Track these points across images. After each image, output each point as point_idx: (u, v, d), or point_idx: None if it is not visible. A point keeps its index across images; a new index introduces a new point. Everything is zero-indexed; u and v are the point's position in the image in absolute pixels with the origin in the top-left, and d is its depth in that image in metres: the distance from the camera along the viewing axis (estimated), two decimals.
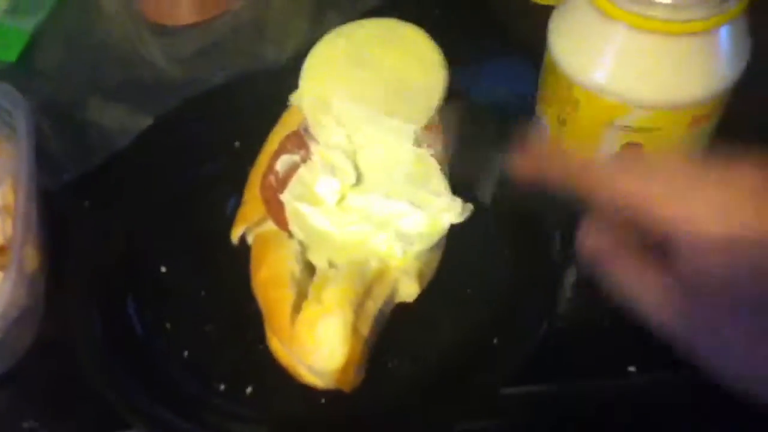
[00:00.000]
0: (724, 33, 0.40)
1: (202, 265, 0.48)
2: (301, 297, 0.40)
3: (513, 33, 0.63)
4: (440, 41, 0.48)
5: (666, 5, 0.38)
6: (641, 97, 0.41)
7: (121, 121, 0.58)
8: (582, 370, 0.45)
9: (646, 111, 0.42)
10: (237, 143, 0.54)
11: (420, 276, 0.43)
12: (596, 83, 0.42)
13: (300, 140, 0.47)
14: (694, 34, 0.39)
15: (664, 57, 0.40)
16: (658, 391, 0.44)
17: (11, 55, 0.61)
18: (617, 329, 0.45)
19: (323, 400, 0.42)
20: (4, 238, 0.47)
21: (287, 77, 0.50)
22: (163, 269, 0.49)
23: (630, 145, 0.44)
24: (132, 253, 0.49)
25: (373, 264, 0.41)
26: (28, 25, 0.64)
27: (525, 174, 0.34)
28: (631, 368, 0.44)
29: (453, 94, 0.48)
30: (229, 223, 0.47)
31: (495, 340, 0.43)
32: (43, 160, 0.50)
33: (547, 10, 0.46)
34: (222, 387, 0.43)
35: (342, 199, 0.44)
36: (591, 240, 0.33)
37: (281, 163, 0.46)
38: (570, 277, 0.48)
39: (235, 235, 0.45)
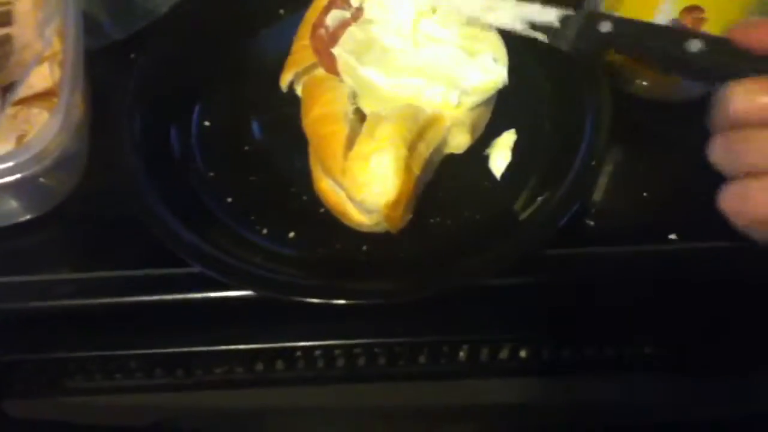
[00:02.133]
0: None
1: (248, 119, 0.48)
2: (353, 135, 0.40)
3: None
4: None
5: None
6: None
7: None
8: (621, 235, 0.45)
9: None
10: (282, 11, 0.54)
11: (472, 128, 0.42)
12: None
13: None
14: None
15: None
16: (697, 258, 0.44)
17: None
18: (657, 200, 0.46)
19: (365, 248, 0.42)
20: (53, 81, 0.46)
21: None
22: (207, 123, 0.49)
23: (690, 9, 0.43)
24: (178, 106, 0.49)
25: (428, 110, 0.41)
26: None
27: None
28: (672, 236, 0.44)
29: None
30: (273, 78, 0.47)
31: (539, 200, 0.43)
32: (87, 20, 0.50)
33: None
34: (265, 231, 0.43)
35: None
36: (740, 101, 0.31)
37: (332, 18, 0.46)
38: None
39: (284, 80, 0.45)
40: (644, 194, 0.46)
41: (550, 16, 0.39)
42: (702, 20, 0.43)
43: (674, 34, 0.36)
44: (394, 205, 0.38)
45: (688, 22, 0.44)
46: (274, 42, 0.51)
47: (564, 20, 0.39)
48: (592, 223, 0.45)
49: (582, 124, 0.46)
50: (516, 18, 0.41)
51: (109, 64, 0.52)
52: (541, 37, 0.40)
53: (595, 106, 0.46)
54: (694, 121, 0.48)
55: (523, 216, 0.44)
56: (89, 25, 0.50)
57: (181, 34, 0.52)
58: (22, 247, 0.46)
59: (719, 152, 0.32)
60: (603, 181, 0.47)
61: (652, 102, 0.49)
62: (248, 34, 0.53)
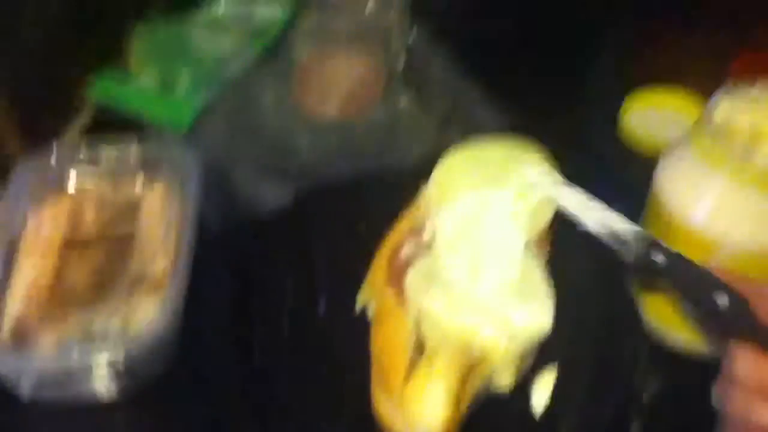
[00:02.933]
0: None
1: (322, 328, 0.55)
2: (413, 364, 0.46)
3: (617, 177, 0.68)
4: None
5: (764, 164, 0.45)
6: (735, 241, 0.47)
7: (264, 194, 0.67)
8: None
9: (736, 251, 0.47)
10: (362, 227, 0.62)
11: (516, 370, 0.48)
12: (695, 221, 0.48)
13: (422, 232, 0.54)
14: None
15: (755, 205, 0.46)
16: None
17: (184, 123, 0.72)
18: None
19: None
20: (163, 272, 0.55)
21: (409, 179, 0.58)
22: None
23: None
24: (259, 309, 0.56)
25: (478, 348, 0.47)
26: (201, 101, 0.75)
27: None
28: None
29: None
30: (347, 295, 0.54)
31: None
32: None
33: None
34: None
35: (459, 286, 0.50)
36: (746, 369, 0.37)
37: (406, 250, 0.53)
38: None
39: (360, 301, 0.52)
40: None
41: (627, 229, 0.45)
42: None
43: (708, 283, 0.40)
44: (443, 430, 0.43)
45: None
46: (355, 254, 0.57)
47: (636, 237, 0.44)
48: None
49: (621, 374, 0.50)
50: (599, 223, 0.47)
51: (206, 255, 0.59)
52: (615, 246, 0.45)
53: (634, 357, 0.51)
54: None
55: None
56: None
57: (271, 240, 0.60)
58: (98, 427, 0.52)
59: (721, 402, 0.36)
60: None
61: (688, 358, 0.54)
62: (333, 245, 0.60)
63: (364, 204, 0.63)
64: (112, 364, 0.48)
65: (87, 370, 0.49)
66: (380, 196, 0.61)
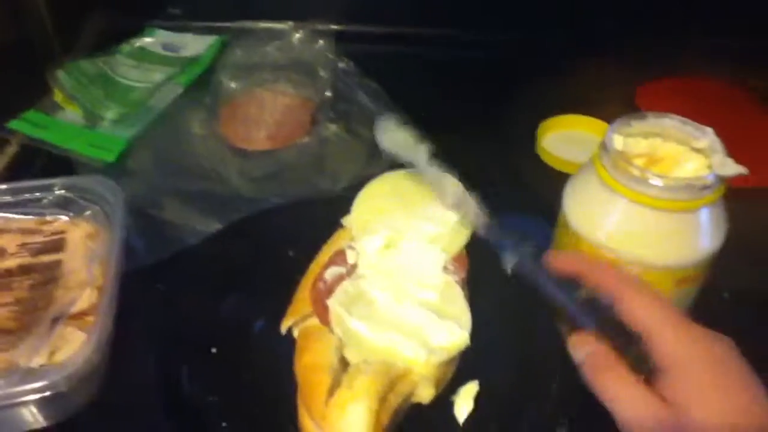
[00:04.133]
0: (704, 213, 0.50)
1: (248, 353, 0.56)
2: (336, 384, 0.47)
3: (536, 194, 0.73)
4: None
5: (658, 187, 0.48)
6: (634, 256, 0.50)
7: (194, 224, 0.68)
8: None
9: (638, 267, 0.50)
10: (291, 252, 0.63)
11: (437, 383, 0.50)
12: (599, 241, 0.51)
13: (345, 256, 0.56)
14: (679, 211, 0.49)
15: (654, 226, 0.50)
16: None
17: (111, 157, 0.73)
18: None
19: None
20: (90, 303, 0.55)
21: (338, 205, 0.60)
22: (214, 350, 0.56)
23: None
24: (190, 333, 0.57)
25: (399, 364, 0.49)
26: (128, 133, 0.76)
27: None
28: None
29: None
30: (276, 318, 0.55)
31: None
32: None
33: (563, 177, 0.56)
34: None
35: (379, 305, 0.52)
36: (585, 347, 0.43)
37: (330, 273, 0.55)
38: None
39: (284, 326, 0.53)
40: None
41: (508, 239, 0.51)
42: None
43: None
44: None
45: None
46: (282, 280, 0.59)
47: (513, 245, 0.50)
48: None
49: (543, 379, 0.53)
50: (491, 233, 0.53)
51: (135, 287, 0.60)
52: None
53: (554, 366, 0.54)
54: None
55: None
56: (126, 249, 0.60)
57: (200, 269, 0.61)
58: None
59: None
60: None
61: None
62: (259, 270, 0.62)
63: (293, 230, 0.64)
64: (39, 397, 0.48)
65: (13, 403, 0.49)
66: (309, 223, 0.63)
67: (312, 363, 0.49)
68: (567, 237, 0.54)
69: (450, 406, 0.53)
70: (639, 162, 0.53)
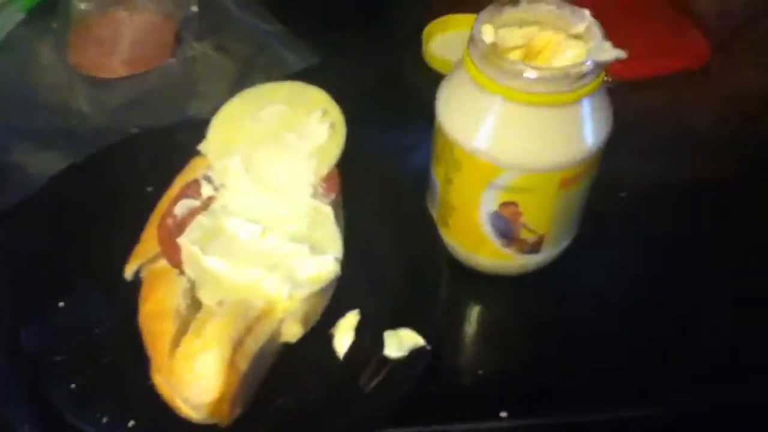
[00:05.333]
0: (585, 105, 0.45)
1: (101, 302, 0.50)
2: (183, 331, 0.42)
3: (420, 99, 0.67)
4: (349, 102, 0.52)
5: (533, 80, 0.43)
6: (513, 160, 0.45)
7: (42, 165, 0.60)
8: (456, 410, 0.47)
9: (519, 173, 0.46)
10: (150, 188, 0.56)
11: (305, 319, 0.45)
12: (474, 147, 0.46)
13: (200, 187, 0.50)
14: (557, 105, 0.44)
15: (532, 125, 0.45)
16: None
17: None
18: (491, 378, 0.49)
19: None
20: None
21: (203, 131, 0.53)
22: (61, 304, 0.50)
23: (507, 204, 0.48)
24: (32, 282, 0.50)
25: (258, 304, 0.43)
26: None
27: None
28: (503, 413, 0.47)
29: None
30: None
31: (381, 373, 0.46)
32: None
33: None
34: (105, 419, 0.44)
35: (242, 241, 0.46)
36: None
37: (180, 207, 0.48)
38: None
39: (128, 271, 0.47)
40: (479, 372, 0.49)
41: None
42: (518, 213, 0.48)
43: None
44: (218, 403, 0.40)
45: (507, 213, 0.48)
46: (138, 220, 0.53)
47: None
48: (426, 399, 0.47)
49: (421, 303, 0.49)
50: None
51: None
52: None
53: (433, 286, 0.49)
54: (528, 295, 0.53)
55: (364, 394, 0.46)
56: None
57: (45, 216, 0.54)
58: None
59: None
60: (441, 359, 0.50)
61: (491, 276, 0.53)
62: (113, 209, 0.55)
63: (152, 163, 0.57)
64: None
65: None
66: (170, 153, 0.55)
67: (154, 310, 0.43)
68: (443, 145, 0.49)
69: (329, 339, 0.49)
70: (516, 55, 0.48)
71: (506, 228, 0.49)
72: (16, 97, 0.66)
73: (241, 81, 0.68)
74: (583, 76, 0.43)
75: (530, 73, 0.43)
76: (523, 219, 0.48)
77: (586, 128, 0.45)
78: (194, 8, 0.73)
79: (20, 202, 0.56)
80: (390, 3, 0.79)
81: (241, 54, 0.71)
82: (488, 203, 0.48)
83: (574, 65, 0.43)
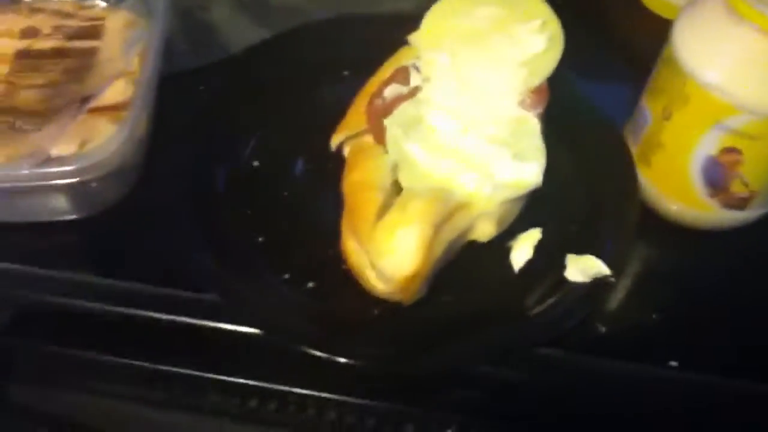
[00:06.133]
0: None
1: (293, 168, 0.51)
2: (386, 205, 0.42)
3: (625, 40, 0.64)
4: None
5: None
6: (753, 101, 0.42)
7: (243, 31, 0.61)
8: (621, 352, 0.46)
9: (754, 117, 0.43)
10: (347, 72, 0.57)
11: (499, 221, 0.44)
12: (710, 81, 0.43)
13: (409, 75, 0.49)
14: None
15: None
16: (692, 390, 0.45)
17: None
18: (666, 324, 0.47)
19: (376, 312, 0.44)
20: (125, 96, 0.50)
21: (407, 24, 0.52)
22: (256, 163, 0.52)
23: (728, 150, 0.45)
24: (232, 142, 0.52)
25: (457, 196, 0.43)
26: None
27: None
28: (673, 363, 0.45)
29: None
30: (326, 135, 0.49)
31: (550, 300, 0.45)
32: (166, 45, 0.54)
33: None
34: (287, 276, 0.45)
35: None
36: None
37: (390, 91, 0.48)
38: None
39: (335, 141, 0.48)
40: (653, 316, 0.47)
41: None
42: (738, 162, 0.45)
43: None
44: (411, 279, 0.40)
45: (725, 161, 0.45)
46: (334, 100, 0.53)
47: None
48: (594, 333, 0.46)
49: (606, 234, 0.48)
50: None
51: (177, 90, 0.54)
52: None
53: (622, 220, 0.48)
54: (717, 252, 0.51)
55: (533, 312, 0.45)
56: (167, 50, 0.54)
57: (246, 76, 0.55)
58: (59, 243, 0.50)
59: None
60: (617, 294, 0.48)
61: (679, 227, 0.51)
62: (310, 88, 0.56)
63: (349, 46, 0.57)
64: (67, 183, 0.45)
65: (41, 190, 0.47)
66: (370, 41, 0.55)
67: (362, 180, 0.43)
68: (671, 76, 0.46)
69: (506, 251, 0.48)
70: None
71: (718, 177, 0.46)
72: None
73: None
74: None
75: None
76: (741, 170, 0.45)
77: None
78: None
79: (222, 62, 0.58)
80: None
81: None
82: (707, 146, 0.45)
83: None
